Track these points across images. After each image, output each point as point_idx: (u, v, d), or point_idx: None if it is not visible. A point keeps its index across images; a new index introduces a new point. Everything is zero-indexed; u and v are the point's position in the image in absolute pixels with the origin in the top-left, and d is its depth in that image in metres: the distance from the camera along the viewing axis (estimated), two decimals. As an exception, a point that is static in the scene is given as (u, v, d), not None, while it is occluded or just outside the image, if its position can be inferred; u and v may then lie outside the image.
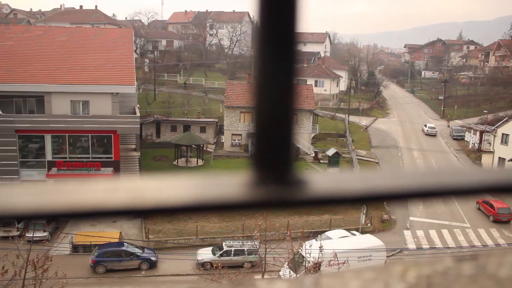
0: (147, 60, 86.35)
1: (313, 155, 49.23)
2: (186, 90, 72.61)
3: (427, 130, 64.47)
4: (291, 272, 24.76)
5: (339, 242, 27.69)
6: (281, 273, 25.90)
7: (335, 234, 31.33)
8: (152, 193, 0.69)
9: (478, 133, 57.03)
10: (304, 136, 50.38)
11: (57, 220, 26.13)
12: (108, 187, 0.70)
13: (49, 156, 35.51)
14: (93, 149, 36.20)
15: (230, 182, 0.73)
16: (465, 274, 0.70)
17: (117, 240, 30.18)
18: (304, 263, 24.13)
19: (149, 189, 0.70)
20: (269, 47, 0.70)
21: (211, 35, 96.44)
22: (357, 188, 0.78)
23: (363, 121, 70.87)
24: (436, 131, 64.54)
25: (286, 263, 24.93)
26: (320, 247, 21.47)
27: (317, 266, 23.62)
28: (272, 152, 0.75)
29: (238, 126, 50.46)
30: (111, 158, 35.97)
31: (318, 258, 21.83)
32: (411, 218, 36.44)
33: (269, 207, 0.74)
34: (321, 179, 0.78)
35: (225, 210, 0.72)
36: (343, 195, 0.76)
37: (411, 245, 32.76)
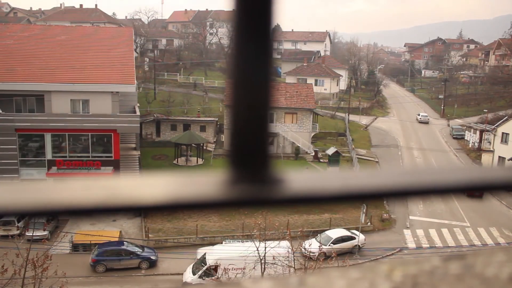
0: (147, 59, 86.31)
1: (313, 154, 49.23)
2: (195, 91, 72.47)
3: (420, 118, 73.81)
4: (194, 275, 24.84)
5: (240, 246, 26.39)
6: (185, 276, 26.14)
7: (335, 233, 31.38)
8: (128, 191, 0.69)
9: (478, 132, 57.01)
10: (304, 135, 50.38)
11: (30, 218, 26.13)
12: (85, 185, 0.69)
13: (49, 155, 35.51)
14: (93, 148, 36.21)
15: (207, 181, 0.73)
16: (451, 273, 0.70)
17: (117, 239, 30.21)
18: (204, 267, 24.81)
19: (126, 187, 0.70)
20: (244, 44, 0.69)
21: (211, 34, 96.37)
22: (335, 186, 0.77)
23: (363, 120, 70.88)
24: (428, 119, 73.77)
25: (190, 267, 25.36)
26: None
27: (215, 270, 24.07)
28: (249, 151, 0.74)
29: (238, 125, 50.35)
30: (111, 157, 35.97)
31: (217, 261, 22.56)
32: (411, 217, 36.45)
33: (245, 206, 0.74)
34: (299, 178, 0.77)
35: (201, 209, 0.71)
36: (320, 194, 0.75)
37: (411, 244, 32.77)
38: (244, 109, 0.73)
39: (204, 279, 25.37)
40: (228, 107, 0.74)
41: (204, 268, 25.62)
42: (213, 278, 24.66)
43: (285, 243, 22.67)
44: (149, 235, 31.69)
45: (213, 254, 26.46)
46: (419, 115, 75.34)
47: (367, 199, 0.80)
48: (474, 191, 0.87)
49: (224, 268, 22.98)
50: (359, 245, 30.89)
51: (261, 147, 0.74)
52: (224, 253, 26.20)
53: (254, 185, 0.73)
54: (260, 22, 0.69)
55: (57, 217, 30.11)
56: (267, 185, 0.73)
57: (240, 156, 0.74)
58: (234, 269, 24.51)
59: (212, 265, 25.49)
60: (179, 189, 0.70)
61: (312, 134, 52.04)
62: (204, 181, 0.73)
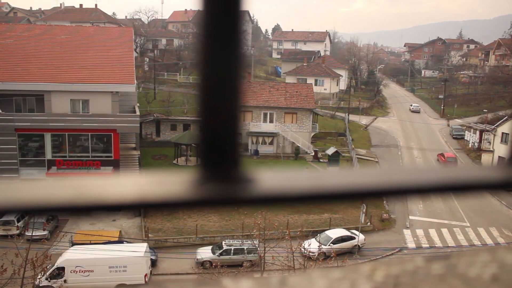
0: (147, 59, 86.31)
1: (313, 154, 49.24)
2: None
3: (412, 108, 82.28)
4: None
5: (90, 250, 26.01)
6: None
7: (335, 233, 31.38)
8: (97, 190, 0.68)
9: (478, 132, 57.00)
10: (304, 135, 50.40)
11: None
12: (54, 184, 0.69)
13: (49, 155, 35.51)
14: (92, 148, 36.21)
15: (177, 180, 0.73)
16: (434, 273, 0.70)
17: (116, 239, 30.20)
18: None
19: (95, 186, 0.69)
20: (213, 41, 0.69)
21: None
22: (306, 186, 0.76)
23: (363, 120, 70.89)
24: (419, 108, 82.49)
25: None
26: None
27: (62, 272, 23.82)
28: (219, 150, 0.74)
29: (238, 125, 50.41)
30: (110, 157, 35.96)
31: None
32: (410, 217, 36.46)
33: (214, 205, 0.73)
34: (270, 177, 0.76)
35: (168, 208, 0.71)
36: (290, 194, 0.75)
37: (411, 244, 32.78)
38: (214, 108, 0.72)
39: (49, 281, 24.28)
40: (197, 107, 0.72)
41: (51, 270, 24.37)
42: (58, 280, 24.25)
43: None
44: (149, 235, 31.69)
45: (65, 256, 25.73)
46: (411, 105, 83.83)
47: (338, 199, 0.79)
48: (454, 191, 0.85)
49: (71, 271, 23.12)
50: (359, 245, 30.89)
51: (231, 147, 0.74)
52: (76, 255, 25.50)
53: (223, 185, 0.72)
54: (229, 19, 0.69)
55: (24, 215, 30.27)
56: (236, 184, 0.73)
57: (210, 155, 0.73)
58: (81, 271, 24.48)
59: (59, 266, 24.86)
60: (148, 188, 0.70)
61: (312, 134, 52.05)
62: (174, 181, 0.72)
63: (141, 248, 26.84)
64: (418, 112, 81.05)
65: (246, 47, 0.65)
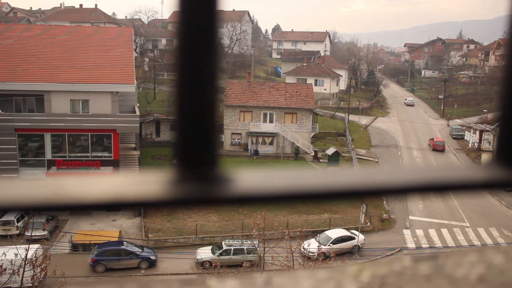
0: (147, 59, 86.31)
1: (313, 154, 49.24)
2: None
3: (407, 101, 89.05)
4: None
5: None
6: None
7: (335, 233, 31.37)
8: (72, 190, 0.69)
9: (477, 132, 57.00)
10: (303, 135, 50.40)
11: None
12: (30, 184, 0.69)
13: (48, 155, 35.50)
14: (92, 148, 36.20)
15: (153, 180, 0.72)
16: (420, 274, 0.70)
17: (116, 239, 30.21)
18: None
19: (70, 186, 0.70)
20: (189, 38, 0.68)
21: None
22: (283, 186, 0.75)
23: (363, 120, 70.88)
24: (414, 102, 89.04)
25: None
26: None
27: None
28: (196, 150, 0.73)
29: (237, 125, 50.46)
30: (110, 157, 35.96)
31: None
32: (410, 217, 36.46)
33: (189, 204, 0.73)
34: (247, 177, 0.76)
35: (144, 207, 0.72)
36: (267, 193, 0.74)
37: (411, 244, 32.78)
38: (190, 108, 0.72)
39: None
40: (173, 106, 0.72)
41: None
42: None
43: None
44: (149, 235, 31.69)
45: None
46: (406, 99, 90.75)
47: (314, 199, 0.78)
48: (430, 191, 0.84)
49: None
50: (358, 245, 30.88)
51: (208, 147, 0.73)
52: None
53: (199, 184, 0.72)
54: (205, 19, 0.68)
55: (24, 215, 30.51)
56: (212, 184, 0.72)
57: (187, 155, 0.73)
58: None
59: None
60: (124, 188, 0.70)
61: (312, 134, 52.05)
62: (150, 180, 0.72)
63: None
64: (412, 105, 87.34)
65: (224, 46, 0.65)
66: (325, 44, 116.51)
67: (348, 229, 32.35)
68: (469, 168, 0.88)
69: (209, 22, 0.69)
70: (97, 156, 35.82)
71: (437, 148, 56.07)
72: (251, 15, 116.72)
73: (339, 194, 0.79)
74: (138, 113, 38.94)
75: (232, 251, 28.78)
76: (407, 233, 34.28)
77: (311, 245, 25.91)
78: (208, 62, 0.70)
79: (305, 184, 0.77)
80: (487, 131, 53.54)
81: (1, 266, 17.60)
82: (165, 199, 0.70)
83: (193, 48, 0.69)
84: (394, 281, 0.68)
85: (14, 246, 18.80)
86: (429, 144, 57.91)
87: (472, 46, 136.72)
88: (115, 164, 35.65)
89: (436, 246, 32.45)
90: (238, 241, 29.69)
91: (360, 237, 30.96)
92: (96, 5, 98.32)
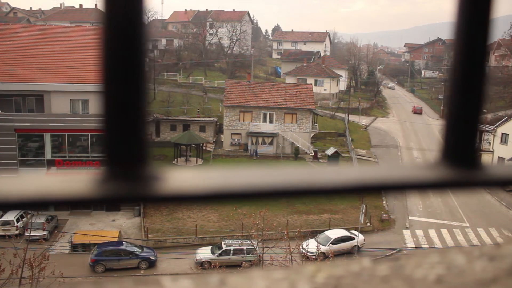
0: (146, 59, 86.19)
1: (313, 154, 49.25)
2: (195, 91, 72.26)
3: (389, 86, 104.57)
4: None
5: None
6: None
7: (334, 234, 31.35)
8: None
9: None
10: (303, 135, 50.40)
11: None
12: None
13: (48, 155, 35.51)
14: (92, 148, 36.20)
15: (81, 178, 0.72)
16: (378, 275, 0.70)
17: (116, 239, 30.21)
18: None
19: None
20: (114, 26, 0.67)
21: (211, 34, 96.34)
22: (216, 185, 0.74)
23: (363, 120, 70.88)
24: (394, 86, 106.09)
25: None
26: None
27: None
28: (123, 147, 0.71)
29: (237, 125, 50.47)
30: (110, 157, 35.93)
31: None
32: (410, 218, 36.44)
33: (116, 203, 0.72)
34: (179, 175, 0.74)
35: (69, 205, 0.70)
36: (198, 192, 0.73)
37: (410, 245, 32.75)
38: (118, 105, 0.70)
39: None
40: (100, 102, 0.70)
41: None
42: None
43: None
44: (148, 235, 31.68)
45: None
46: (388, 84, 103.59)
47: (246, 198, 0.75)
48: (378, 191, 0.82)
49: None
50: (358, 246, 30.86)
51: (137, 144, 0.72)
52: None
53: (127, 183, 0.71)
54: (131, 21, 0.67)
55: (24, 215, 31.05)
56: (141, 182, 0.71)
57: (115, 153, 0.72)
58: None
59: None
60: (50, 187, 0.69)
61: (312, 134, 52.05)
62: (77, 179, 0.71)
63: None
64: (393, 89, 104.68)
65: (148, 41, 0.65)
66: (325, 44, 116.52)
67: (347, 229, 32.34)
68: (416, 167, 0.85)
69: (135, 23, 0.67)
70: (97, 156, 35.81)
71: (417, 112, 66.87)
72: (251, 15, 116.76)
73: (273, 193, 0.75)
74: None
75: (231, 251, 28.77)
76: (406, 233, 34.26)
77: (311, 245, 25.90)
78: (136, 58, 0.69)
79: (238, 183, 0.74)
80: (487, 131, 53.51)
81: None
82: (89, 197, 0.69)
83: (118, 42, 0.67)
84: (350, 282, 0.68)
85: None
86: (412, 111, 67.95)
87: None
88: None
89: (435, 246, 32.45)
90: (238, 242, 29.69)
91: (359, 238, 30.94)
92: (96, 5, 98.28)
